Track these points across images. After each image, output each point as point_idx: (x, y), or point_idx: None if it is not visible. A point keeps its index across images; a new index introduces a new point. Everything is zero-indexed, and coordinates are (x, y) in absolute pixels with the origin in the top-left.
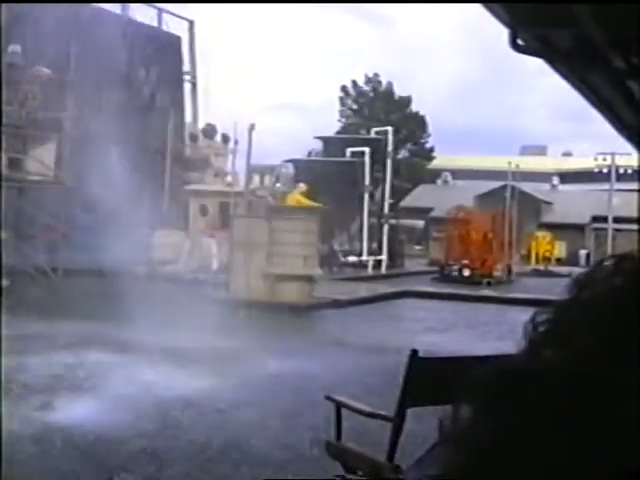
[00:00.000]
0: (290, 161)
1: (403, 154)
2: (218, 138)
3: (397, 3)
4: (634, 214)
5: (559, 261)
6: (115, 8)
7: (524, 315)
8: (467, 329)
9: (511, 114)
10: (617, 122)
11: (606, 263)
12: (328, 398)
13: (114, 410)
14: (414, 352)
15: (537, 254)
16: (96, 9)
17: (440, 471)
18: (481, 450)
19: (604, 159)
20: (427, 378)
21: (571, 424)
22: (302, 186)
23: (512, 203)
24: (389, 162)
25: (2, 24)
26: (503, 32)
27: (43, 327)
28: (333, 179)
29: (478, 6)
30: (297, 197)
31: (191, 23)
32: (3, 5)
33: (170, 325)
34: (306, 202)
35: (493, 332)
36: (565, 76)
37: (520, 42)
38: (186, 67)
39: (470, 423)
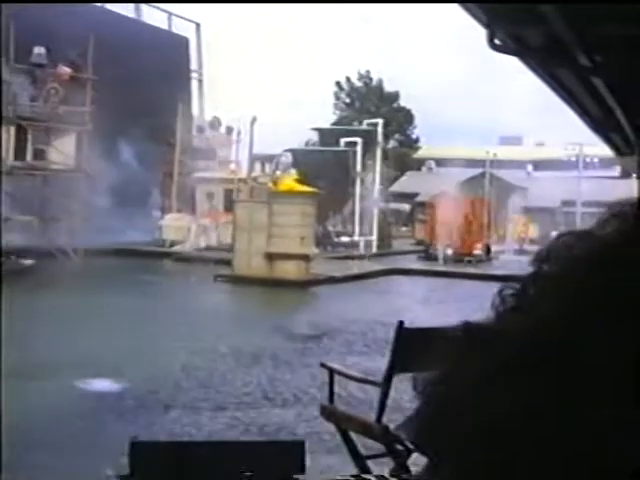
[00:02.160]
0: (289, 150)
1: (392, 144)
2: (223, 130)
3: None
4: (600, 198)
5: (532, 241)
6: (129, 12)
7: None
8: (447, 302)
9: (490, 108)
10: (584, 115)
11: (563, 239)
12: (322, 365)
13: None
14: (400, 323)
15: (513, 235)
16: (112, 13)
17: (411, 424)
18: (448, 400)
19: (573, 149)
20: (412, 346)
21: (531, 376)
22: (293, 172)
23: (490, 189)
24: (379, 151)
25: (2, 24)
26: (482, 32)
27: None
28: (328, 167)
29: (458, 8)
30: (289, 182)
31: (198, 25)
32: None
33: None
34: (299, 187)
35: (470, 304)
36: (537, 73)
37: (497, 42)
38: (193, 65)
39: (439, 376)
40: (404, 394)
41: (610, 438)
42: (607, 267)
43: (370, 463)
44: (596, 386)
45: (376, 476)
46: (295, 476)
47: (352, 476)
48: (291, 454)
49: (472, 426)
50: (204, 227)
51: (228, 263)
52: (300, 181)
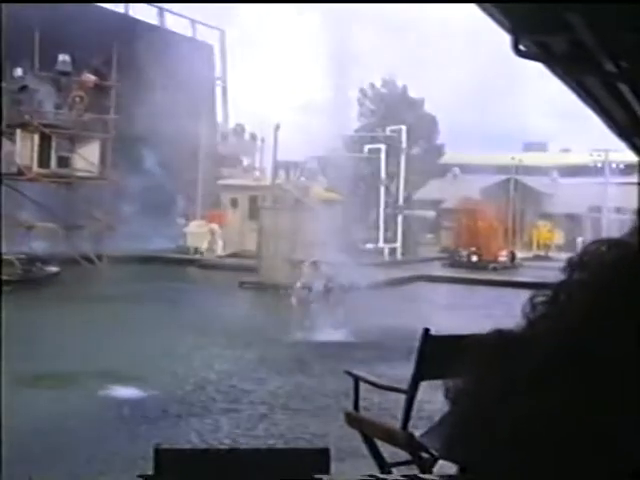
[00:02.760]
0: (314, 157)
1: (416, 151)
2: (247, 137)
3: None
4: (626, 205)
5: (558, 248)
6: (152, 19)
7: (526, 295)
8: (474, 309)
9: (515, 114)
10: (610, 121)
11: (596, 246)
12: (348, 373)
13: None
14: (426, 330)
15: (538, 241)
16: (135, 20)
17: (439, 432)
18: (480, 407)
19: (599, 155)
20: (438, 353)
21: (560, 382)
22: (322, 180)
23: (515, 195)
24: (403, 158)
25: (2, 24)
26: (507, 39)
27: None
28: (352, 174)
29: (483, 16)
30: (318, 190)
31: (222, 32)
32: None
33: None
34: (326, 194)
35: (496, 311)
36: (562, 79)
37: (522, 47)
38: (217, 72)
39: (470, 383)
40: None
41: (634, 445)
42: (636, 275)
43: (395, 471)
44: (623, 392)
45: (397, 476)
46: (317, 476)
47: (370, 476)
48: (316, 461)
49: (503, 433)
50: (212, 231)
51: (252, 270)
52: (329, 189)
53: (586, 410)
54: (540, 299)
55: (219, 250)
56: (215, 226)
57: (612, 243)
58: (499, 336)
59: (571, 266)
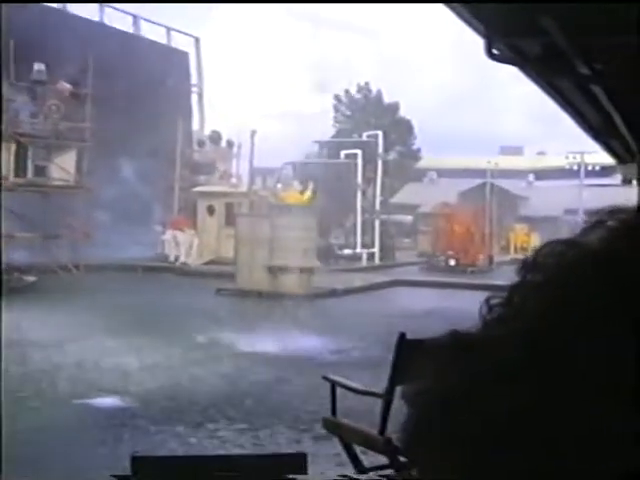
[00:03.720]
0: (289, 163)
1: (392, 155)
2: (223, 144)
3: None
4: (603, 207)
5: None
6: (128, 27)
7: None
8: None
9: (490, 118)
10: (584, 123)
11: (549, 247)
12: (325, 378)
13: None
14: (402, 334)
15: (515, 245)
16: (110, 28)
17: (401, 431)
18: (433, 408)
19: (574, 157)
20: (414, 357)
21: (514, 384)
22: (296, 185)
23: (492, 199)
24: (380, 163)
25: (2, 24)
26: (480, 43)
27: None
28: (329, 179)
29: (456, 19)
30: (294, 195)
31: (197, 39)
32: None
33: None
34: (303, 200)
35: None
36: (536, 82)
37: (495, 51)
38: (193, 79)
39: (425, 385)
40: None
41: (593, 440)
42: (588, 275)
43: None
44: (578, 391)
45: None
46: (291, 476)
47: (344, 476)
48: (293, 466)
49: (457, 434)
50: (175, 239)
51: (231, 277)
52: (305, 195)
53: (540, 412)
54: (496, 301)
55: (196, 257)
56: (178, 233)
57: (566, 244)
58: (455, 337)
59: (525, 267)
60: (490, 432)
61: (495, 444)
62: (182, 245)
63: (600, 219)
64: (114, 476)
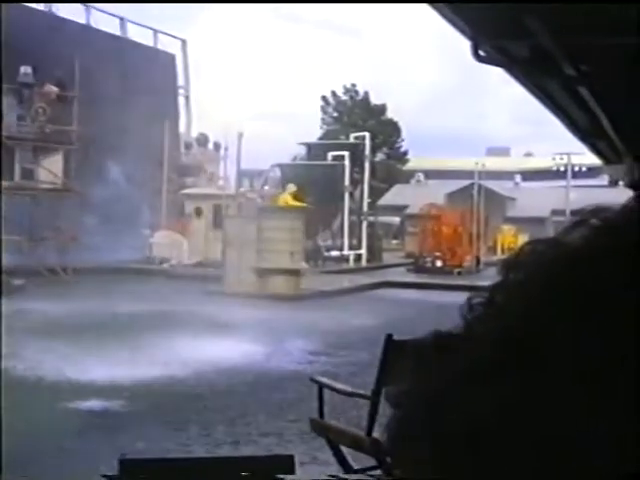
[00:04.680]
0: (277, 165)
1: (379, 157)
2: (210, 146)
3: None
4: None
5: None
6: (115, 30)
7: None
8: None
9: (477, 119)
10: (571, 124)
11: (531, 246)
12: (312, 380)
13: None
14: (389, 335)
15: (502, 246)
16: (97, 31)
17: (385, 431)
18: (416, 409)
19: (561, 158)
20: (401, 358)
21: (496, 383)
22: (291, 187)
23: (479, 200)
24: (367, 164)
25: (2, 24)
26: (467, 44)
27: None
28: (316, 181)
29: (443, 22)
30: (286, 198)
31: (184, 42)
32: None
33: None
34: (292, 202)
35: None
36: (523, 83)
37: (481, 53)
38: (180, 82)
39: (408, 386)
40: None
41: (576, 439)
42: (568, 273)
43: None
44: (558, 390)
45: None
46: (280, 476)
47: (332, 476)
48: (281, 468)
49: (439, 434)
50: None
51: (218, 279)
52: (297, 196)
53: (523, 410)
54: (477, 300)
55: (184, 260)
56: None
57: (547, 243)
58: (437, 337)
59: (507, 267)
60: (472, 432)
61: (477, 444)
62: (170, 248)
63: (582, 218)
64: (104, 476)
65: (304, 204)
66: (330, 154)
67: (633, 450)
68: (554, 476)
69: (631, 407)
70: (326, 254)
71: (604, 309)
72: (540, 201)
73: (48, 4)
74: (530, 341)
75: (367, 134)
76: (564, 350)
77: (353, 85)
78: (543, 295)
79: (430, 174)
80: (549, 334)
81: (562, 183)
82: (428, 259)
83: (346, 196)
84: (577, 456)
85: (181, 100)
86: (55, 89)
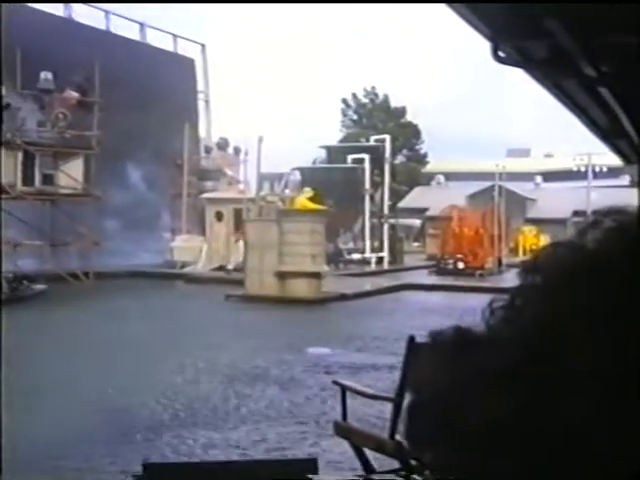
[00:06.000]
0: (297, 169)
1: (400, 159)
2: (230, 150)
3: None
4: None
5: None
6: (134, 35)
7: None
8: (461, 315)
9: (497, 121)
10: (591, 125)
11: (549, 250)
12: (335, 382)
13: None
14: (411, 337)
15: (524, 247)
16: (117, 36)
17: (404, 421)
18: (436, 406)
19: (582, 159)
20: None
21: (513, 382)
22: (308, 190)
23: (500, 201)
24: (387, 167)
25: (2, 24)
26: (486, 45)
27: None
28: (336, 184)
29: (463, 22)
30: (303, 201)
31: (203, 46)
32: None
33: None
34: (312, 205)
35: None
36: (543, 84)
37: (501, 54)
38: (199, 86)
39: (429, 376)
40: None
41: (593, 438)
42: (584, 276)
43: None
44: (573, 392)
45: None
46: (310, 476)
47: (359, 476)
48: (305, 471)
49: (456, 428)
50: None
51: (240, 283)
52: (314, 199)
53: (541, 410)
54: (498, 304)
55: (206, 264)
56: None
57: (564, 246)
58: (458, 333)
59: (526, 270)
60: (488, 430)
61: (493, 442)
62: (191, 251)
63: (596, 220)
64: (134, 476)
65: (324, 207)
66: (350, 157)
67: None
68: (571, 473)
69: None
70: (347, 257)
71: (616, 313)
72: (561, 202)
73: (68, 10)
74: (547, 343)
75: (387, 136)
76: (580, 351)
77: (373, 88)
78: (559, 298)
79: (450, 176)
80: (565, 335)
81: (583, 184)
82: (450, 261)
83: (367, 199)
84: (594, 454)
85: (201, 104)
86: (75, 94)
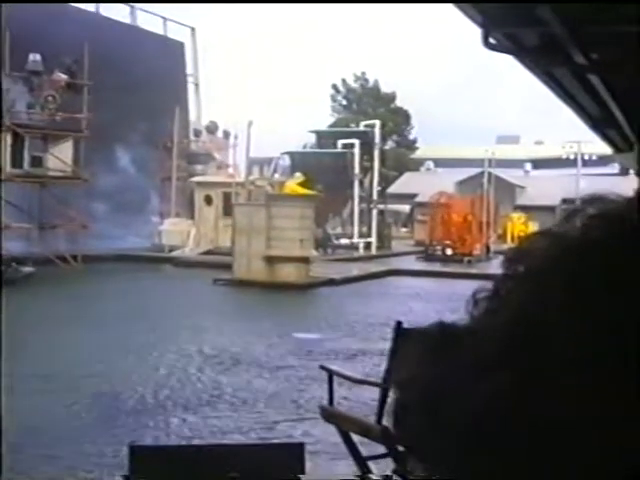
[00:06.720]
0: (287, 153)
1: (389, 145)
2: (220, 134)
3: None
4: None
5: None
6: (124, 18)
7: None
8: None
9: (487, 107)
10: (581, 112)
11: (532, 239)
12: (322, 367)
13: None
14: (399, 323)
15: (512, 234)
16: (106, 19)
17: (389, 416)
18: (421, 397)
19: (571, 146)
20: (409, 347)
21: (499, 372)
22: (298, 175)
23: (489, 188)
24: (377, 152)
25: (2, 24)
26: (477, 33)
27: None
28: (326, 169)
29: (454, 9)
30: (293, 186)
31: (193, 29)
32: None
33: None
34: (301, 190)
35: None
36: (533, 71)
37: (492, 41)
38: (189, 69)
39: (413, 374)
40: None
41: (578, 425)
42: (568, 264)
43: (372, 464)
44: (557, 381)
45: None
46: (298, 476)
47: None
48: (291, 456)
49: (443, 423)
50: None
51: (228, 267)
52: (304, 184)
53: (526, 401)
54: (482, 294)
55: (194, 247)
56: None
57: (546, 235)
58: (442, 327)
59: (509, 260)
60: (472, 420)
61: (477, 431)
62: (179, 235)
63: (579, 207)
64: (123, 476)
65: (313, 192)
66: (340, 142)
67: (635, 434)
68: (562, 467)
69: (632, 393)
70: (336, 242)
71: (601, 298)
72: (550, 189)
73: None
74: (532, 332)
75: (377, 122)
76: (564, 339)
77: (363, 73)
78: (543, 287)
79: (440, 162)
80: (550, 324)
81: (572, 171)
82: (438, 247)
83: (356, 184)
84: (585, 446)
85: (190, 88)
86: (65, 77)
